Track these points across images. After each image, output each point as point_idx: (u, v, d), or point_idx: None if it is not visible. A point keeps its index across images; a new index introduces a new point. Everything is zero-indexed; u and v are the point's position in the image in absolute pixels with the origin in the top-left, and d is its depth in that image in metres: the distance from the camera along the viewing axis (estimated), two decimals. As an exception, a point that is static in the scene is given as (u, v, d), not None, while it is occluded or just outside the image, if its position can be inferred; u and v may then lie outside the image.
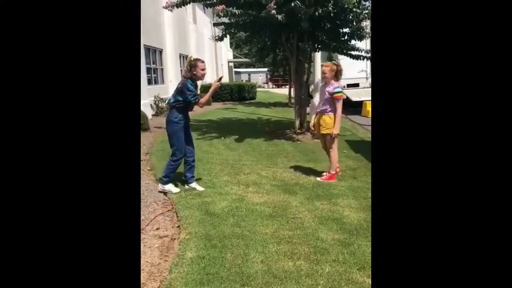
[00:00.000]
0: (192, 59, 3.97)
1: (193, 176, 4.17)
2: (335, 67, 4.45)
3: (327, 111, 4.44)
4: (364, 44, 8.73)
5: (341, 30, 7.54)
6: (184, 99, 3.87)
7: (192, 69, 3.88)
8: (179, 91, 3.89)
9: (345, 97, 4.52)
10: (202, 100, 3.95)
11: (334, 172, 4.54)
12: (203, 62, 3.99)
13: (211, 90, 3.98)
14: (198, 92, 4.08)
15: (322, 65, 4.62)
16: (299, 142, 7.31)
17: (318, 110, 4.63)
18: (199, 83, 4.13)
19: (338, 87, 4.39)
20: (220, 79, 4.05)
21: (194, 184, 4.14)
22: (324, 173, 4.66)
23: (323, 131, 4.48)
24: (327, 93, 4.44)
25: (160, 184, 4.08)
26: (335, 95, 4.36)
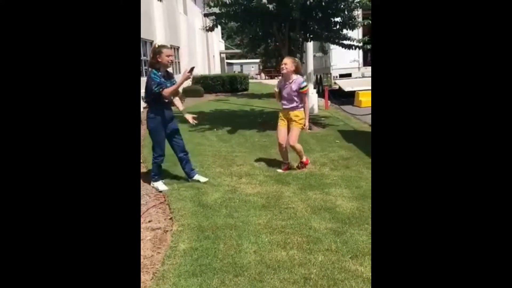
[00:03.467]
0: (156, 46, 3.71)
1: (193, 169, 4.08)
2: (296, 63, 4.43)
3: (299, 107, 4.42)
4: (356, 34, 8.70)
5: (332, 19, 7.50)
6: (150, 91, 3.62)
7: (157, 56, 3.58)
8: (146, 83, 3.65)
9: (309, 90, 4.48)
10: (168, 90, 3.60)
11: (305, 158, 4.63)
12: (169, 48, 3.76)
13: (180, 79, 3.67)
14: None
15: (284, 59, 4.55)
16: (291, 132, 7.30)
17: (285, 107, 4.49)
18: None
19: (304, 81, 4.42)
20: (192, 69, 3.69)
21: (197, 177, 4.03)
22: (298, 164, 4.67)
23: (296, 126, 4.44)
24: (293, 89, 4.37)
25: (151, 182, 3.98)
26: (302, 90, 4.36)
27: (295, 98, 4.40)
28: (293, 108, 4.44)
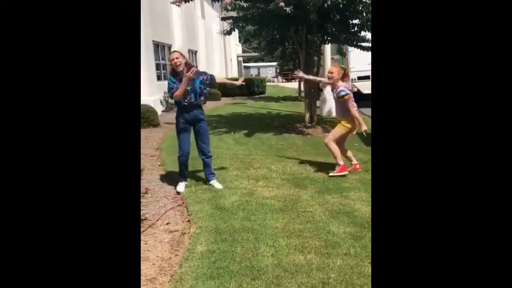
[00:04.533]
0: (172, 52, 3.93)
1: (211, 174, 4.09)
2: (342, 71, 4.42)
3: (344, 115, 4.39)
4: (375, 36, 8.57)
5: (350, 21, 7.44)
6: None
7: (170, 62, 3.82)
8: None
9: (351, 97, 4.37)
10: (176, 93, 3.72)
11: (342, 164, 4.40)
12: (173, 52, 3.89)
13: (184, 80, 3.65)
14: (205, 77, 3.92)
15: (330, 68, 4.62)
16: (309, 136, 7.26)
17: (339, 117, 4.56)
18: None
19: (342, 90, 4.29)
20: (192, 70, 3.67)
21: (213, 182, 4.05)
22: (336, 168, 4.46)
23: (339, 128, 4.44)
24: (335, 97, 4.42)
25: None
26: (340, 99, 4.30)
27: (339, 106, 4.41)
28: (339, 117, 4.47)
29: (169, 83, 3.79)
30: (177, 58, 3.75)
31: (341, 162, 4.41)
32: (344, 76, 4.42)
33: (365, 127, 4.30)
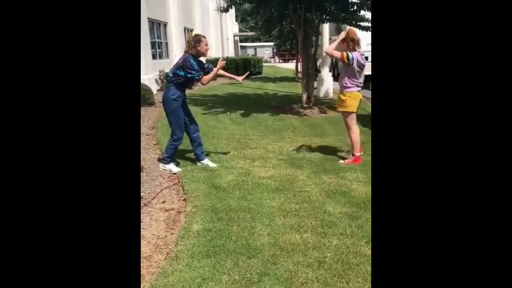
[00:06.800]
0: (195, 34, 3.94)
1: (203, 153, 4.09)
2: (343, 35, 4.09)
3: (342, 87, 4.12)
4: (374, 15, 8.43)
5: (350, 0, 7.29)
6: (185, 75, 3.76)
7: (196, 44, 3.78)
8: (180, 66, 3.78)
9: (345, 59, 3.99)
10: (207, 77, 3.88)
11: (358, 154, 4.13)
12: (203, 37, 3.94)
13: (217, 68, 3.91)
14: (206, 66, 4.04)
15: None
16: (306, 116, 7.22)
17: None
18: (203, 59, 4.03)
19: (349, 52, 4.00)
20: (226, 58, 4.10)
21: (206, 161, 4.04)
22: (349, 157, 4.20)
23: (338, 109, 4.27)
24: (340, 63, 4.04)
25: (161, 164, 3.98)
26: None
27: (342, 77, 4.12)
28: (340, 89, 4.19)
29: (194, 64, 3.74)
30: (208, 44, 3.94)
31: (357, 153, 4.14)
32: (349, 41, 4.05)
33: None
